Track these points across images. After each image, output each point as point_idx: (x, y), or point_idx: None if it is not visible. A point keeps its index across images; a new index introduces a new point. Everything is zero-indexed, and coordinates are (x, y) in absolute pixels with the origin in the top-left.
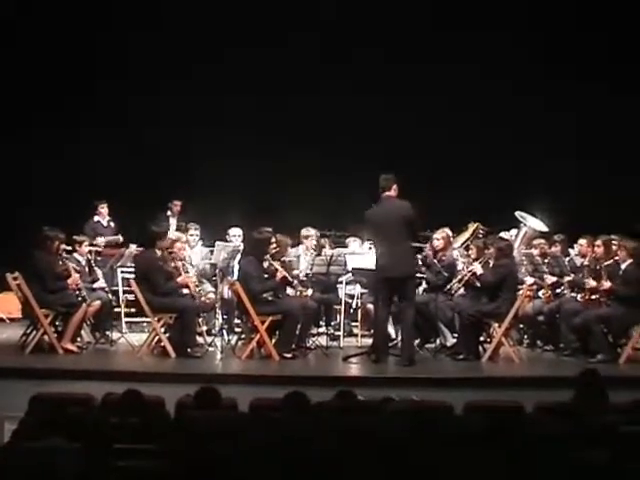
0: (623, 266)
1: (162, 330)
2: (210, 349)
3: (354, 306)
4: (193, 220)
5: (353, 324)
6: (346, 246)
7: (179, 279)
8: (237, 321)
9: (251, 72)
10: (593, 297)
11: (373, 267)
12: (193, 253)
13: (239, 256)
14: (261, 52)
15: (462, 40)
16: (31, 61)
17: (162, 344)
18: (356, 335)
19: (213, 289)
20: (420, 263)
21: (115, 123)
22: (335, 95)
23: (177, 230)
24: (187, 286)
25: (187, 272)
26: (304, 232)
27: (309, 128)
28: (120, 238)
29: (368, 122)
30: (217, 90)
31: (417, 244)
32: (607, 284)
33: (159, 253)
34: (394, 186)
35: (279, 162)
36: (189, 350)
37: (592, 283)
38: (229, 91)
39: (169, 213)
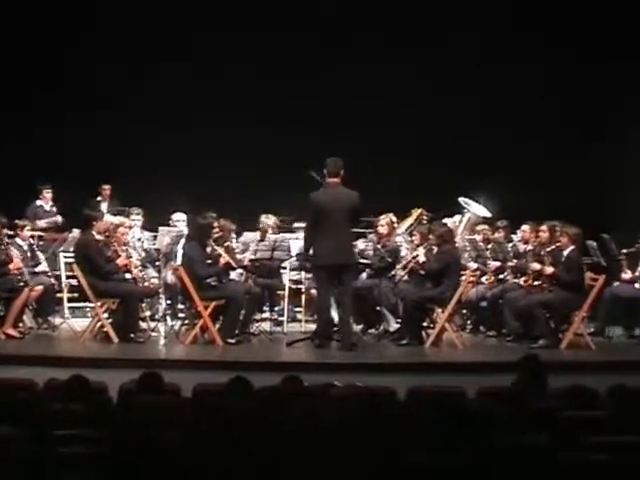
0: (565, 252)
1: (105, 315)
2: (153, 334)
3: (298, 291)
4: (136, 205)
5: (297, 309)
6: (292, 231)
7: (119, 261)
8: (181, 306)
9: (198, 54)
10: (536, 283)
11: (312, 253)
12: (135, 237)
13: (183, 241)
14: (191, 25)
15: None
16: None
17: (105, 329)
18: (300, 320)
19: (156, 274)
20: (362, 249)
21: (58, 107)
22: (279, 79)
23: (118, 214)
24: (129, 271)
25: (130, 257)
26: (264, 219)
27: (256, 111)
28: (59, 218)
29: (310, 105)
30: (161, 75)
31: (359, 230)
32: (550, 269)
33: (97, 236)
34: (341, 172)
35: (225, 146)
36: (132, 335)
37: (536, 267)
38: (173, 77)
39: (99, 198)
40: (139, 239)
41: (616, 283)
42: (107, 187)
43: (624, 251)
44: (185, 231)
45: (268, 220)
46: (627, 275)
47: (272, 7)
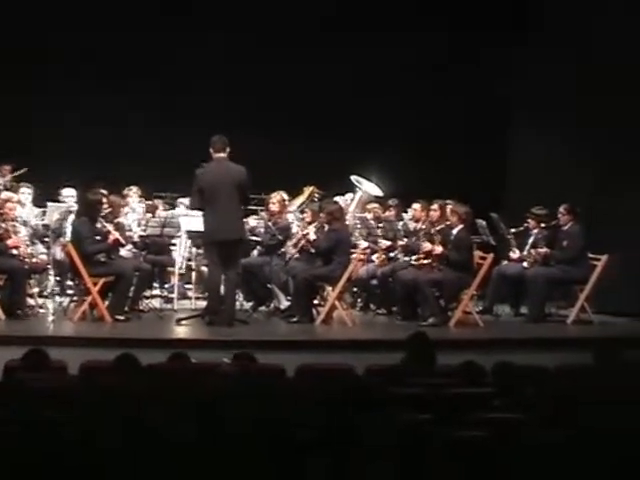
0: (455, 231)
1: None
2: (41, 311)
3: (188, 268)
4: (26, 180)
5: (187, 286)
6: (175, 207)
7: (9, 241)
8: (69, 283)
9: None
10: (426, 262)
11: (202, 229)
12: (24, 213)
13: (72, 217)
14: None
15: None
16: None
17: None
18: (190, 298)
19: (45, 250)
20: (254, 226)
21: None
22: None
23: (7, 190)
24: (17, 247)
25: (18, 233)
26: (126, 191)
27: (145, 89)
28: None
29: (205, 78)
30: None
31: (249, 207)
32: (439, 248)
33: None
34: (227, 148)
35: (117, 124)
36: (19, 312)
37: (427, 246)
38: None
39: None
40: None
41: (505, 262)
42: (8, 167)
43: (512, 230)
44: (74, 207)
45: (130, 191)
46: (515, 254)
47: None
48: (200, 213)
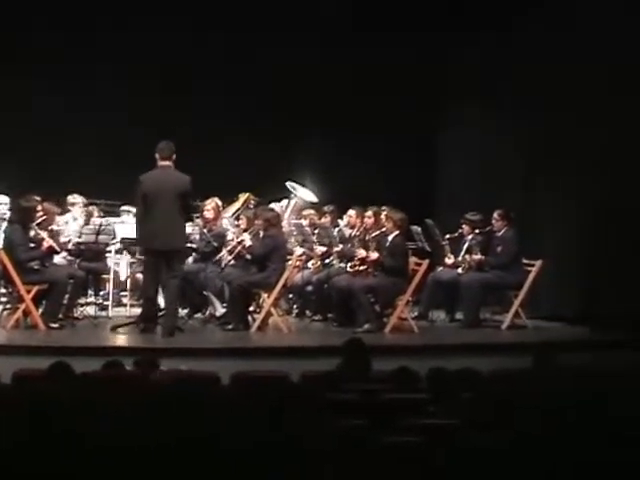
0: (390, 237)
1: None
2: None
3: (123, 276)
4: None
5: (122, 294)
6: (118, 215)
7: None
8: (2, 290)
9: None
10: (361, 268)
11: (139, 236)
12: None
13: (4, 224)
14: None
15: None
16: None
17: None
18: (125, 305)
19: None
20: (189, 233)
21: None
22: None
23: None
24: None
25: None
26: (70, 199)
27: (84, 90)
28: None
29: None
30: None
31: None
32: (374, 255)
33: None
34: (174, 155)
35: (51, 128)
36: None
37: (362, 253)
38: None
39: None
40: None
41: (440, 268)
42: None
43: (447, 236)
44: (7, 214)
45: (74, 199)
46: (450, 260)
47: None
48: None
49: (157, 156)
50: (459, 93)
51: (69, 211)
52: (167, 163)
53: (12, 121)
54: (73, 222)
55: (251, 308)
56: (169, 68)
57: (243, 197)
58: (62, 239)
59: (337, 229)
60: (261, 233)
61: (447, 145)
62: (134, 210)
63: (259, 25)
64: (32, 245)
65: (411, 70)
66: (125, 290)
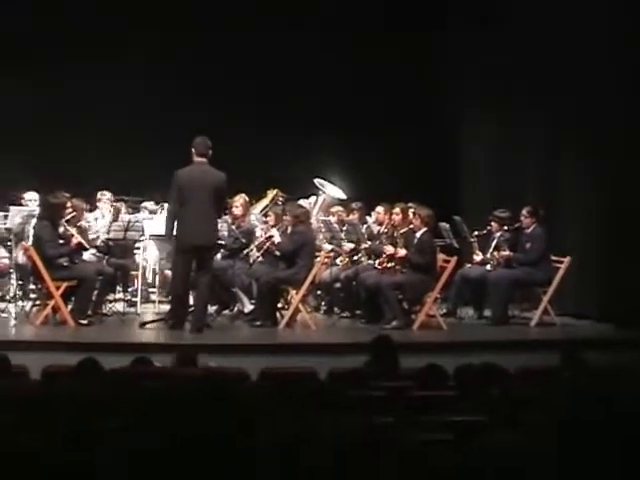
0: (418, 234)
1: None
2: (3, 315)
3: (152, 272)
4: None
5: (151, 290)
6: (139, 210)
7: None
8: (32, 287)
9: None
10: (389, 264)
11: (170, 232)
12: None
13: (34, 221)
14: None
15: None
16: None
17: None
18: (154, 301)
19: (7, 254)
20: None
21: None
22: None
23: None
24: None
25: None
26: (98, 195)
27: (113, 90)
28: None
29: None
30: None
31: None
32: (402, 252)
33: None
34: (210, 151)
35: (76, 128)
36: None
37: (389, 249)
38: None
39: None
40: None
41: (468, 265)
42: None
43: (475, 233)
44: (37, 210)
45: (102, 195)
46: (478, 257)
47: None
48: (164, 216)
49: (193, 151)
50: (481, 90)
51: (97, 208)
52: (203, 159)
53: (42, 120)
54: (102, 219)
55: (279, 305)
56: (197, 68)
57: (271, 194)
58: (91, 236)
59: (365, 226)
60: (289, 229)
61: (473, 141)
62: (150, 206)
63: (283, 25)
64: (61, 242)
65: (435, 68)
66: (154, 286)
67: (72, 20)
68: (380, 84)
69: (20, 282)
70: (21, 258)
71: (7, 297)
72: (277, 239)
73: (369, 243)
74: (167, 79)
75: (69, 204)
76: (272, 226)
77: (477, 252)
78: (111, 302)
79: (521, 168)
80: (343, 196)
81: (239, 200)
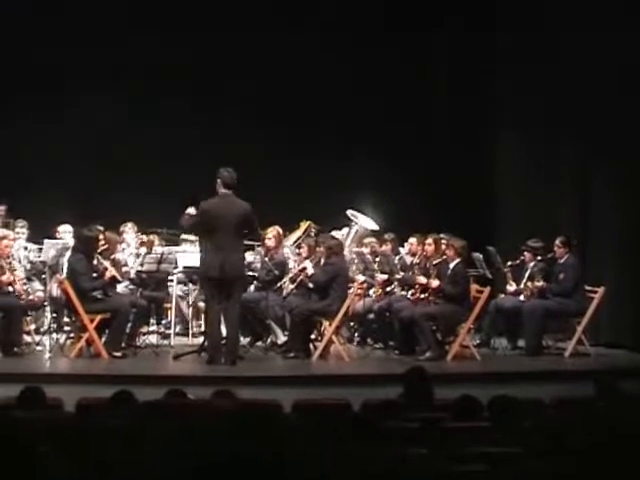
0: (451, 265)
1: None
2: (38, 348)
3: (185, 304)
4: (20, 217)
5: (184, 322)
6: (178, 244)
7: (4, 277)
8: (66, 319)
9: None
10: (422, 295)
11: (200, 265)
12: (21, 250)
13: (68, 253)
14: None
15: None
16: None
17: None
18: (187, 334)
19: (42, 287)
20: (250, 262)
21: None
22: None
23: (3, 227)
24: (12, 284)
25: (14, 270)
26: (121, 228)
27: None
28: None
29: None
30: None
31: (253, 242)
32: (436, 282)
33: None
34: (236, 184)
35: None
36: (16, 349)
37: (422, 280)
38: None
39: None
40: (26, 248)
41: (501, 295)
42: (3, 208)
43: (509, 263)
44: (71, 243)
45: (125, 227)
46: (512, 287)
47: None
48: (197, 249)
49: (218, 183)
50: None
51: (123, 240)
52: (229, 191)
53: (74, 149)
54: (128, 248)
55: (312, 336)
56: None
57: (304, 225)
58: (124, 268)
59: (398, 257)
60: (322, 261)
61: (506, 171)
62: (193, 238)
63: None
64: (95, 274)
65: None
66: (187, 319)
67: (102, 53)
68: (412, 114)
69: (54, 315)
70: (55, 291)
71: (42, 330)
72: (310, 271)
73: (402, 274)
74: (200, 111)
75: (102, 237)
76: (305, 258)
77: (510, 282)
78: (145, 334)
79: (554, 198)
80: (376, 227)
81: (272, 232)
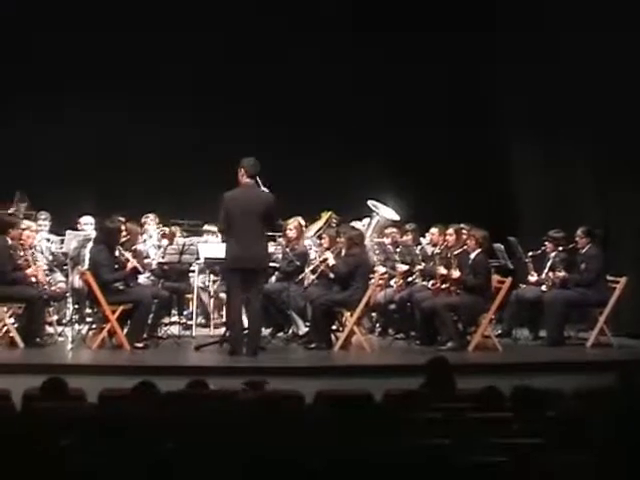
0: (472, 255)
1: (11, 320)
2: (60, 339)
3: (206, 295)
4: (43, 208)
5: (206, 313)
6: (200, 235)
7: (29, 271)
8: (88, 311)
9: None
10: (443, 286)
11: (224, 256)
12: (43, 242)
13: (90, 245)
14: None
15: None
16: None
17: (10, 334)
18: (209, 324)
19: (64, 278)
20: (271, 253)
21: None
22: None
23: (26, 219)
24: (35, 275)
25: (36, 261)
26: (142, 219)
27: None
28: None
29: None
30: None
31: (273, 233)
32: (457, 273)
33: (10, 242)
34: (258, 174)
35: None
36: (38, 340)
37: (443, 271)
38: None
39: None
40: (48, 239)
41: (523, 285)
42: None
43: (530, 254)
44: (93, 234)
45: (145, 219)
46: (533, 278)
47: None
48: (219, 239)
49: (241, 173)
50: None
51: (145, 231)
52: (251, 181)
53: (93, 142)
54: (150, 239)
55: (334, 327)
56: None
57: (325, 216)
58: (146, 260)
59: (419, 247)
60: (344, 252)
61: (526, 162)
62: (216, 229)
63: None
64: (117, 266)
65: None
66: (208, 310)
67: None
68: (432, 112)
69: (76, 306)
70: (77, 282)
71: (64, 321)
72: (331, 261)
73: (423, 264)
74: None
75: (124, 228)
76: (326, 249)
77: (532, 273)
78: (166, 325)
79: (576, 188)
80: (397, 217)
81: (293, 223)
